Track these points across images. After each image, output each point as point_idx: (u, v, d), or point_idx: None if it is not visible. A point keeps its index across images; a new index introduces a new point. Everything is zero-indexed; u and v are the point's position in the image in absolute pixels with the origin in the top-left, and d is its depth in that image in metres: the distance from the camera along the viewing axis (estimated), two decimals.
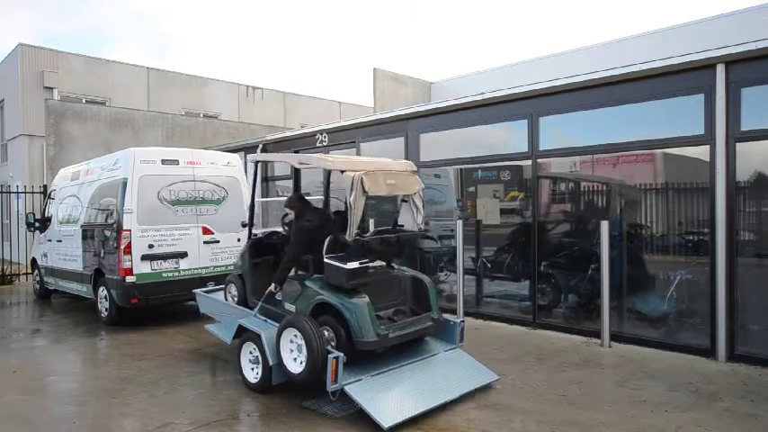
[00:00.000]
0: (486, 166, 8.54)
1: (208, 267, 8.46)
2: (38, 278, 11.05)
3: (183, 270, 8.25)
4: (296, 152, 11.74)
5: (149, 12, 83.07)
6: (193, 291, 7.03)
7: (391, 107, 13.72)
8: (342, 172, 4.80)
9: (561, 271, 7.69)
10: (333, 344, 4.72)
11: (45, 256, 10.52)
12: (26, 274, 12.99)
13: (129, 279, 7.81)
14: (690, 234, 6.76)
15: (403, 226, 5.55)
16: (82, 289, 9.16)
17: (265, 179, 12.97)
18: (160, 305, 8.61)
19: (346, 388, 4.51)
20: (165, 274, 8.11)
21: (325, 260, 4.86)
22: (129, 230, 7.84)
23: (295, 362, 4.84)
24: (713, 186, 6.05)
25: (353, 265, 4.69)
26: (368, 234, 5.24)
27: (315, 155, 5.34)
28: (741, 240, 6.08)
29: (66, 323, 8.75)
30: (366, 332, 4.63)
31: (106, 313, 8.41)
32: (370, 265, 4.94)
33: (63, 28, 74.91)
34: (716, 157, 6.00)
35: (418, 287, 5.39)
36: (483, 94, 8.26)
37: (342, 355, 4.53)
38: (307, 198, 5.89)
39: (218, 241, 8.65)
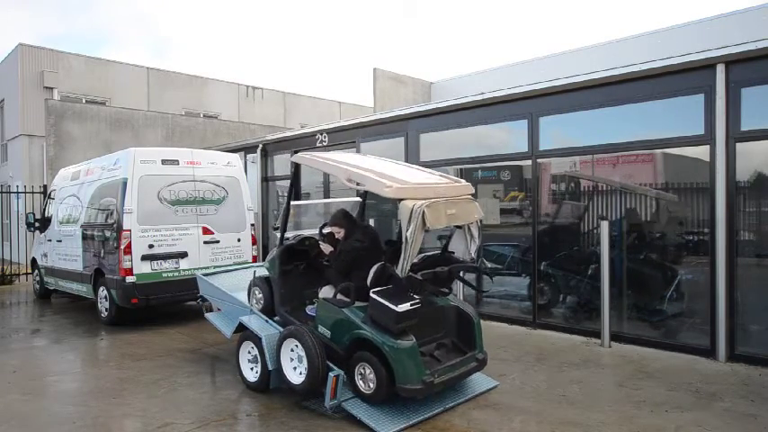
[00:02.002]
0: (486, 166, 8.54)
1: (208, 267, 8.47)
2: (38, 278, 11.05)
3: (184, 270, 8.25)
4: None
5: (150, 12, 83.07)
6: (194, 273, 6.96)
7: (391, 107, 13.73)
8: (399, 201, 4.23)
9: (559, 271, 7.69)
10: (372, 385, 4.40)
11: (45, 256, 10.52)
12: (26, 274, 13.00)
13: (130, 279, 7.82)
14: (690, 234, 6.76)
15: (453, 253, 5.00)
16: (82, 289, 9.16)
17: (265, 179, 12.97)
18: (160, 305, 8.60)
19: (344, 404, 4.53)
20: (165, 274, 8.11)
21: (372, 295, 4.39)
22: (129, 230, 7.84)
23: (295, 371, 4.85)
24: (713, 186, 6.05)
25: (404, 306, 4.23)
26: (419, 269, 4.53)
27: (370, 174, 4.46)
28: (741, 240, 6.08)
29: (66, 323, 8.75)
30: (411, 378, 4.24)
31: (106, 313, 8.41)
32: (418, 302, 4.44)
33: (63, 28, 74.92)
34: (716, 157, 6.00)
35: (463, 320, 4.97)
36: (483, 94, 8.26)
37: (342, 373, 4.54)
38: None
39: (218, 241, 8.65)
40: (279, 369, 4.93)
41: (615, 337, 6.63)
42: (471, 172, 8.63)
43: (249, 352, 5.37)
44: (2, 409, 5.01)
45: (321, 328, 4.87)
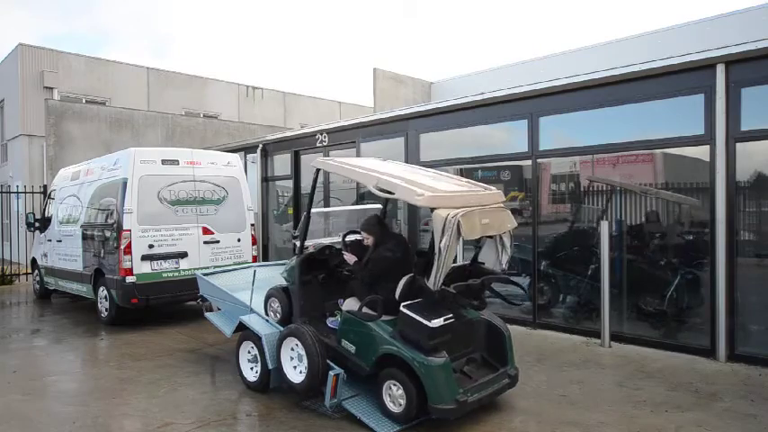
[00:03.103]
0: (486, 166, 8.54)
1: (208, 267, 8.46)
2: (38, 278, 11.05)
3: (184, 270, 8.25)
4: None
5: (150, 12, 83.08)
6: (194, 273, 6.96)
7: (391, 107, 13.73)
8: (432, 210, 4.01)
9: (559, 271, 7.69)
10: (402, 402, 4.21)
11: (45, 256, 10.52)
12: (26, 274, 12.99)
13: (130, 279, 7.82)
14: (690, 234, 6.76)
15: (483, 264, 4.78)
16: (82, 289, 9.16)
17: (265, 179, 12.97)
18: (160, 305, 8.61)
19: (344, 403, 4.53)
20: (165, 274, 8.11)
21: (403, 309, 4.19)
22: (130, 230, 7.84)
23: (295, 370, 4.85)
24: (713, 186, 6.05)
25: (438, 321, 4.04)
26: (449, 282, 4.25)
27: (400, 182, 4.24)
28: (741, 240, 6.08)
29: (67, 323, 8.75)
30: (443, 397, 4.04)
31: (106, 313, 8.41)
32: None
33: (63, 28, 74.93)
34: (716, 157, 6.00)
35: (493, 335, 4.76)
36: (483, 94, 8.26)
37: (342, 372, 4.53)
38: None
39: (218, 241, 8.65)
40: (279, 368, 4.93)
41: (615, 336, 6.63)
42: (471, 172, 8.63)
43: (249, 351, 5.36)
44: (2, 409, 5.01)
45: (345, 343, 4.66)
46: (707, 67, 6.06)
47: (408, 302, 4.23)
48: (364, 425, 4.34)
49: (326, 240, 5.67)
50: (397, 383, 4.24)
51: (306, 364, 4.66)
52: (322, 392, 4.56)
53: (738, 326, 5.98)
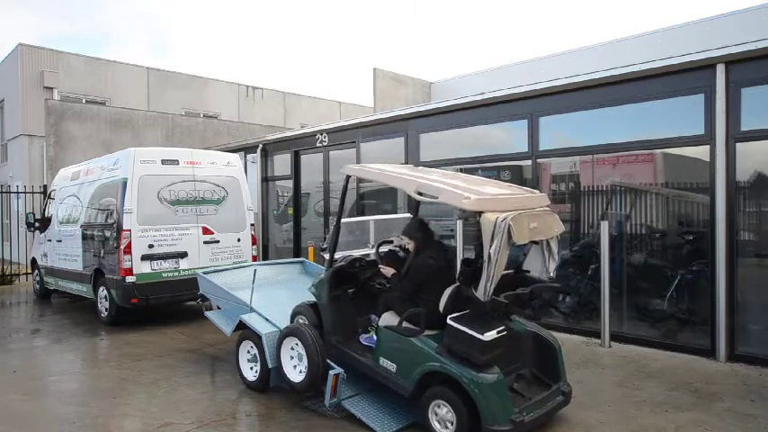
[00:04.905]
0: (486, 166, 8.54)
1: (207, 267, 8.46)
2: (38, 278, 11.05)
3: (183, 270, 8.25)
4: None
5: (149, 12, 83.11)
6: (194, 271, 6.93)
7: (391, 107, 13.73)
8: (479, 214, 3.78)
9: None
10: (451, 424, 3.91)
11: (45, 256, 10.52)
12: (26, 274, 12.99)
13: (129, 279, 7.82)
14: (690, 234, 6.76)
15: (529, 272, 4.49)
16: (82, 289, 9.16)
17: (265, 179, 12.97)
18: (160, 305, 8.61)
19: (344, 403, 4.53)
20: (165, 274, 8.11)
21: (450, 322, 3.92)
22: (129, 230, 7.84)
23: (295, 369, 4.84)
24: (713, 186, 6.05)
25: (491, 334, 3.75)
26: (501, 292, 3.97)
27: (443, 185, 4.04)
28: (741, 240, 6.08)
29: (67, 323, 8.75)
30: (498, 418, 3.73)
31: (106, 313, 8.41)
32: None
33: (64, 28, 74.97)
34: (716, 157, 6.00)
35: (542, 348, 4.47)
36: (483, 94, 8.26)
37: (342, 371, 4.51)
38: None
39: (218, 241, 8.65)
40: (279, 367, 4.93)
41: (615, 336, 6.63)
42: (471, 172, 8.63)
43: (249, 351, 5.36)
44: (2, 409, 5.01)
45: (383, 361, 4.34)
46: (707, 67, 6.06)
47: (455, 315, 3.96)
48: (364, 425, 4.34)
49: (356, 253, 5.35)
50: (445, 403, 3.94)
51: (306, 364, 4.66)
52: (322, 392, 4.56)
53: (738, 326, 5.98)
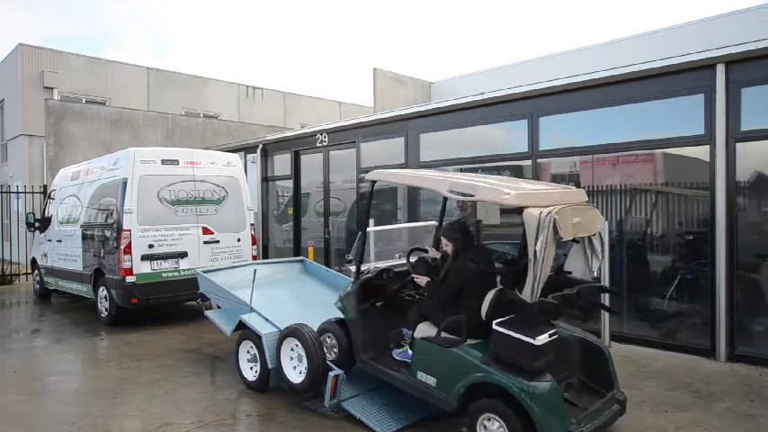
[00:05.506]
0: (486, 166, 8.53)
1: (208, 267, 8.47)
2: (38, 278, 11.05)
3: (183, 270, 8.25)
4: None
5: (149, 12, 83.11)
6: (194, 270, 6.93)
7: (391, 107, 13.73)
8: (521, 209, 3.57)
9: None
10: None
11: (45, 256, 10.52)
12: (26, 274, 12.99)
13: (129, 279, 7.82)
14: (690, 234, 6.76)
15: (570, 273, 4.20)
16: (82, 289, 9.16)
17: (265, 179, 12.97)
18: (160, 305, 8.61)
19: (344, 404, 4.53)
20: (164, 274, 8.11)
21: (496, 327, 3.66)
22: (129, 230, 7.84)
23: (294, 370, 4.84)
24: (713, 186, 6.05)
25: (543, 338, 3.49)
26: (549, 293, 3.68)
27: (478, 182, 3.89)
28: (741, 240, 6.07)
29: (67, 323, 8.75)
30: (555, 430, 3.46)
31: (106, 313, 8.41)
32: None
33: (64, 28, 74.96)
34: (716, 157, 6.00)
35: (590, 354, 4.20)
36: (483, 94, 8.26)
37: (342, 373, 4.51)
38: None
39: (218, 241, 8.65)
40: (278, 368, 4.93)
41: (615, 337, 6.62)
42: (471, 172, 8.63)
43: (248, 351, 5.36)
44: (2, 409, 5.01)
45: (422, 375, 4.06)
46: (707, 67, 6.06)
47: (500, 320, 3.70)
48: (364, 425, 4.34)
49: (381, 264, 5.08)
50: (496, 416, 3.64)
51: (306, 365, 4.65)
52: (322, 392, 4.56)
53: (738, 326, 5.98)
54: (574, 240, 3.98)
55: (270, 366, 4.99)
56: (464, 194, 3.86)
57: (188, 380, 5.72)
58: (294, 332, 4.80)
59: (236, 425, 4.64)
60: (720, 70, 5.95)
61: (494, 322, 3.69)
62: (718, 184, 5.98)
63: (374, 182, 4.68)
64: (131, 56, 77.89)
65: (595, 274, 4.14)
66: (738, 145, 5.92)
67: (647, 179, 7.02)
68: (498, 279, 4.11)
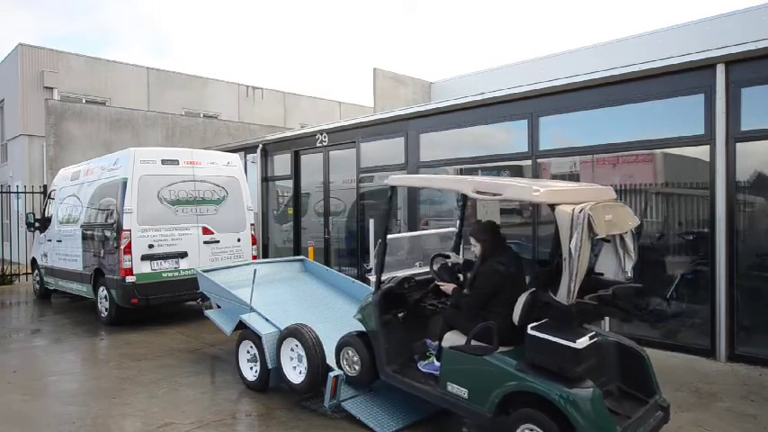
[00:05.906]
0: (486, 166, 8.53)
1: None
2: (38, 278, 11.05)
3: (183, 270, 8.25)
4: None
5: (149, 12, 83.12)
6: (194, 270, 6.91)
7: (391, 107, 13.73)
8: (552, 207, 3.39)
9: None
10: None
11: (45, 256, 10.52)
12: (26, 274, 12.99)
13: (129, 279, 7.82)
14: (690, 234, 6.76)
15: (602, 274, 3.96)
16: (82, 289, 9.16)
17: (265, 179, 12.97)
18: (160, 305, 8.61)
19: (344, 404, 4.53)
20: (165, 274, 8.11)
21: (531, 332, 3.45)
22: (129, 230, 7.84)
23: (294, 370, 4.85)
24: (713, 186, 6.05)
25: (583, 341, 3.29)
26: (585, 294, 3.51)
27: (503, 180, 3.80)
28: (741, 240, 6.08)
29: (67, 323, 8.75)
30: None
31: (106, 313, 8.41)
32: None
33: (64, 28, 74.94)
34: (716, 157, 6.00)
35: (627, 359, 3.98)
36: (483, 94, 8.26)
37: (342, 373, 4.51)
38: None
39: (218, 241, 8.65)
40: (278, 368, 4.93)
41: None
42: (471, 172, 8.63)
43: (248, 351, 5.36)
44: (2, 409, 5.01)
45: (452, 387, 3.85)
46: (707, 67, 6.06)
47: (535, 324, 3.50)
48: (364, 425, 4.35)
49: (400, 273, 4.86)
50: (536, 428, 3.40)
51: (306, 365, 4.66)
52: (322, 392, 4.56)
53: (738, 326, 5.98)
54: (604, 240, 3.82)
55: (270, 366, 5.00)
56: (492, 194, 3.71)
57: (188, 380, 5.72)
58: (294, 332, 4.80)
59: (236, 425, 4.64)
60: (720, 70, 5.95)
61: (528, 327, 3.50)
62: (719, 184, 5.98)
63: (393, 187, 4.52)
64: (131, 56, 77.89)
65: (629, 275, 3.91)
66: (738, 145, 5.92)
67: (647, 179, 7.01)
68: (528, 281, 3.98)
